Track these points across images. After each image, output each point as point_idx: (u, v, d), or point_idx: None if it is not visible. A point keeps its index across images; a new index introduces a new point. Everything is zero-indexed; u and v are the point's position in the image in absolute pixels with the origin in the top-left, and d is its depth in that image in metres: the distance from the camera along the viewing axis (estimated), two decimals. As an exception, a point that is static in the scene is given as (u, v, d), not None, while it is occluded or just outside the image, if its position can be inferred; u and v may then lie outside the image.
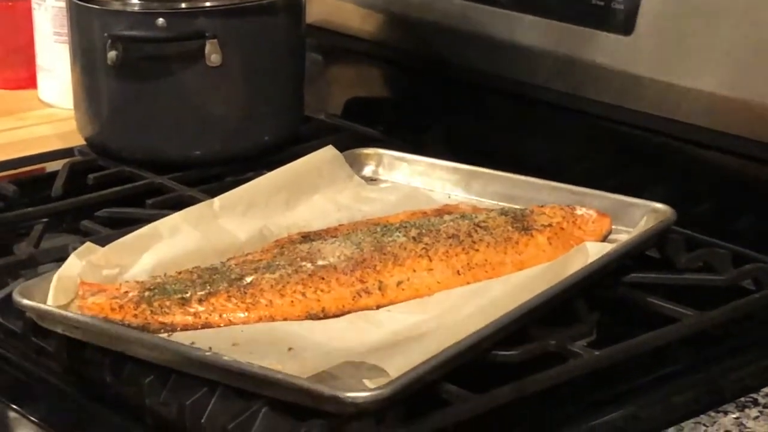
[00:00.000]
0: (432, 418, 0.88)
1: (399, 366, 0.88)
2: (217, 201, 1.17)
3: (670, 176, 1.26)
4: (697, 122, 1.28)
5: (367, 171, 1.30)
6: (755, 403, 1.00)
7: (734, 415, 0.97)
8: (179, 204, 1.21)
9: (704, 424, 0.96)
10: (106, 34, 1.30)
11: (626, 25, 1.33)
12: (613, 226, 1.14)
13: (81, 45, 1.37)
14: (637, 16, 1.32)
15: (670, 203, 1.15)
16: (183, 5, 1.37)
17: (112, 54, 1.30)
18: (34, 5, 1.56)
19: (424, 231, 1.09)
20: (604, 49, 1.35)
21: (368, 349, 0.94)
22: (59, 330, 0.99)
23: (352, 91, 1.64)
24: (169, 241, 1.11)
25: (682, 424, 0.95)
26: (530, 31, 1.40)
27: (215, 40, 1.33)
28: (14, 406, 1.04)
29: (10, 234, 1.15)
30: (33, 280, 1.04)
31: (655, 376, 1.00)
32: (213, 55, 1.33)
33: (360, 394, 0.85)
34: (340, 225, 1.15)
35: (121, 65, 1.31)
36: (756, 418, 0.98)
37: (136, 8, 1.35)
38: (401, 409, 0.88)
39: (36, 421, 1.01)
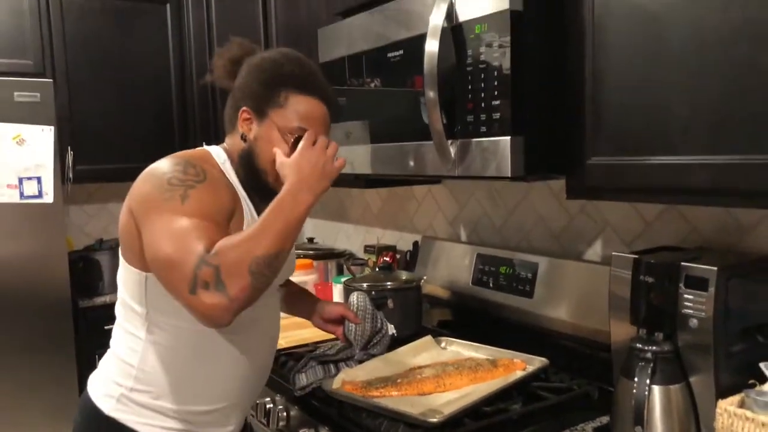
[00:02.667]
0: (460, 429, 1.00)
1: (448, 411, 1.02)
2: (390, 353, 1.29)
3: (550, 350, 1.29)
4: (560, 329, 1.36)
5: (442, 345, 1.39)
6: (578, 429, 1.07)
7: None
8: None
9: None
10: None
11: (530, 294, 1.42)
12: (527, 366, 1.25)
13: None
14: (534, 291, 1.41)
15: (548, 358, 1.24)
16: (380, 286, 1.49)
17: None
18: (333, 286, 1.65)
19: (459, 366, 1.21)
20: (525, 303, 1.42)
21: (438, 405, 1.07)
22: (336, 396, 1.15)
23: (437, 317, 1.64)
24: (371, 368, 1.23)
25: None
26: (503, 298, 1.42)
27: (391, 299, 1.45)
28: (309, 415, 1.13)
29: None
30: (326, 381, 1.19)
31: (541, 419, 1.08)
32: (390, 303, 1.44)
33: (434, 420, 1.00)
34: (431, 363, 1.27)
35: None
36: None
37: (365, 287, 1.47)
38: (450, 426, 1.00)
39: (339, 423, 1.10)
